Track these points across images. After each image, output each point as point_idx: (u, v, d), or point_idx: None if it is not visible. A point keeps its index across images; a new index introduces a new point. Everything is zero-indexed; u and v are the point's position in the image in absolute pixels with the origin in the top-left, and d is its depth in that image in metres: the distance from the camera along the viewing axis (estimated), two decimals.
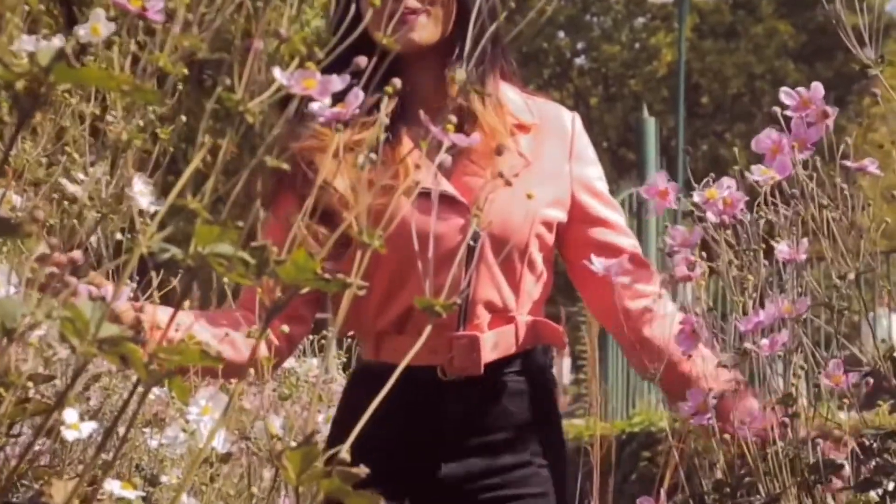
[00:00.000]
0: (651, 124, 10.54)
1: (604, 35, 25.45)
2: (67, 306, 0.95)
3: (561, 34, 24.60)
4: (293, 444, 2.02)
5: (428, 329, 1.16)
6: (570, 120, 2.12)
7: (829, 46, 23.06)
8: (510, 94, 2.07)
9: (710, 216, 1.60)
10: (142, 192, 1.18)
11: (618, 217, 2.13)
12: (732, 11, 25.89)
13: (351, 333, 2.33)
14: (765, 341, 1.40)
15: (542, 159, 2.04)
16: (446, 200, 1.95)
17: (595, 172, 2.12)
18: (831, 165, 1.58)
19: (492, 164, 1.97)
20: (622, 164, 23.15)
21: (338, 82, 1.00)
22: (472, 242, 1.93)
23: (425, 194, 1.87)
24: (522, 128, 2.04)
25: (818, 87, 1.54)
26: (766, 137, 1.58)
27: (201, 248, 1.01)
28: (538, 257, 2.03)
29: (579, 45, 25.46)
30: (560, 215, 2.05)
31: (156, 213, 1.22)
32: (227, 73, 0.99)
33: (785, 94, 1.52)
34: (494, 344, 2.00)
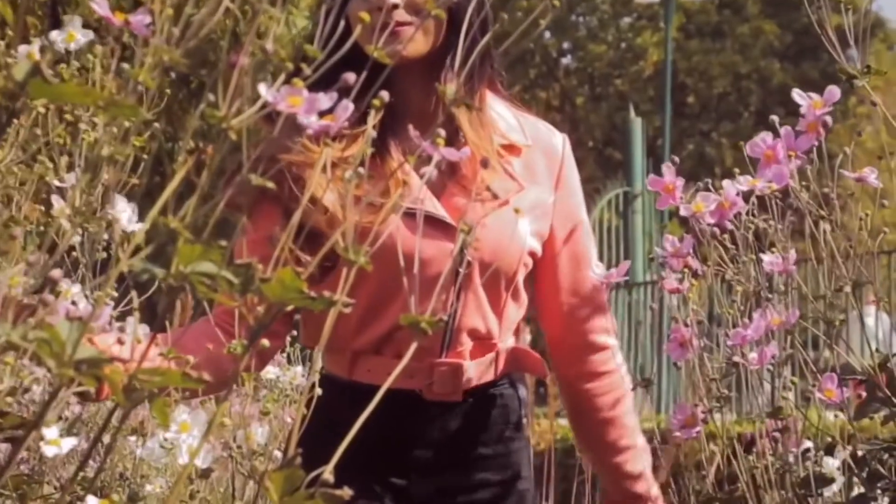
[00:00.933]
0: (637, 125, 10.54)
1: (590, 35, 25.42)
2: (44, 327, 0.92)
3: (547, 34, 24.58)
4: (276, 452, 2.00)
5: (411, 350, 1.13)
6: (561, 143, 2.07)
7: (814, 46, 23.08)
8: (501, 111, 2.02)
9: (707, 219, 1.58)
10: (123, 211, 1.15)
11: (590, 250, 2.08)
12: (718, 11, 25.89)
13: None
14: (753, 354, 1.38)
15: (532, 185, 2.00)
16: (434, 221, 1.91)
17: (577, 203, 2.08)
18: (824, 174, 1.56)
19: (484, 185, 1.93)
20: (608, 164, 23.14)
21: (324, 100, 0.97)
22: (460, 268, 1.89)
23: (413, 213, 1.85)
24: (514, 149, 2.00)
25: (833, 92, 1.51)
26: (761, 142, 1.56)
27: (183, 268, 0.99)
28: (521, 285, 2.01)
29: (565, 45, 25.43)
30: (538, 246, 2.02)
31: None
32: (210, 87, 0.97)
33: (798, 96, 1.50)
34: (475, 372, 1.97)
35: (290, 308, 1.28)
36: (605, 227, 9.95)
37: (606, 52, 25.13)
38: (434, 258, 1.89)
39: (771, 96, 24.94)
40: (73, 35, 1.24)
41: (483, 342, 1.98)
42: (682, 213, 1.51)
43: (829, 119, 1.48)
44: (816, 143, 1.55)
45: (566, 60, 25.60)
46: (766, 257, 1.39)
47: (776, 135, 1.53)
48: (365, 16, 1.15)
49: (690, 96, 25.69)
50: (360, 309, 1.91)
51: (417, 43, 1.94)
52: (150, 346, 1.07)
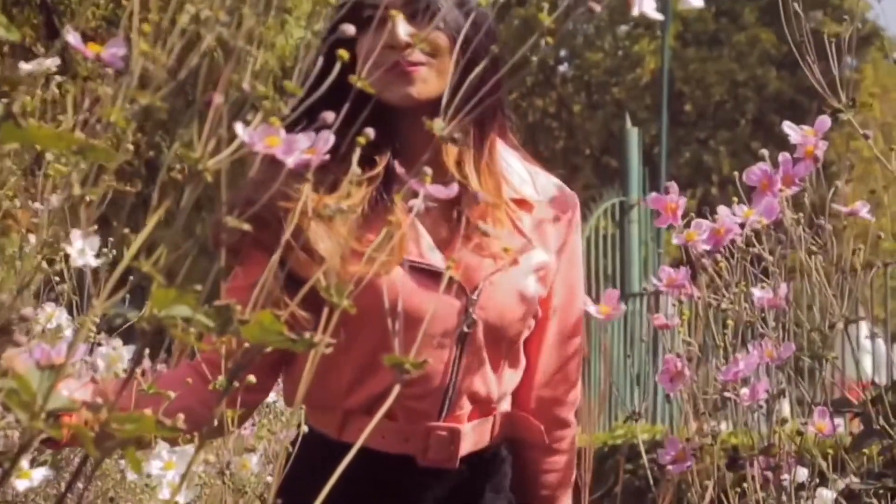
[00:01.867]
0: (634, 135, 10.52)
1: (587, 43, 25.42)
2: (13, 376, 0.90)
3: (543, 42, 24.43)
4: (269, 478, 1.97)
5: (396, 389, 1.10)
6: (573, 204, 1.97)
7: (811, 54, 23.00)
8: (513, 163, 1.92)
9: (699, 247, 1.55)
10: (81, 251, 1.12)
11: (579, 328, 1.98)
12: (715, 19, 25.90)
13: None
14: (745, 390, 1.36)
15: (540, 245, 1.90)
16: (439, 276, 1.80)
17: (578, 275, 1.97)
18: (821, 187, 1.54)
19: (492, 241, 1.83)
20: (605, 172, 23.13)
21: (303, 140, 0.95)
22: (466, 328, 1.80)
23: (415, 268, 1.78)
24: (525, 204, 1.90)
25: (824, 122, 1.49)
26: (757, 170, 1.53)
27: (157, 312, 0.97)
28: (521, 348, 1.92)
29: (562, 53, 25.43)
30: (539, 310, 1.92)
31: (112, 268, 1.17)
32: (185, 126, 0.95)
33: (789, 129, 1.48)
34: (472, 437, 1.88)
35: (275, 358, 1.23)
36: (601, 236, 9.93)
37: (603, 60, 25.12)
38: (437, 315, 1.80)
39: (767, 104, 24.94)
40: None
41: (481, 406, 1.88)
42: (675, 241, 1.49)
43: (820, 153, 1.46)
44: (813, 170, 1.52)
45: (563, 68, 25.59)
46: (757, 292, 1.37)
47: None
48: (345, 54, 1.11)
49: (687, 104, 25.68)
50: (354, 365, 1.80)
51: (430, 85, 1.81)
52: (125, 385, 1.04)
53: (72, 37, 1.03)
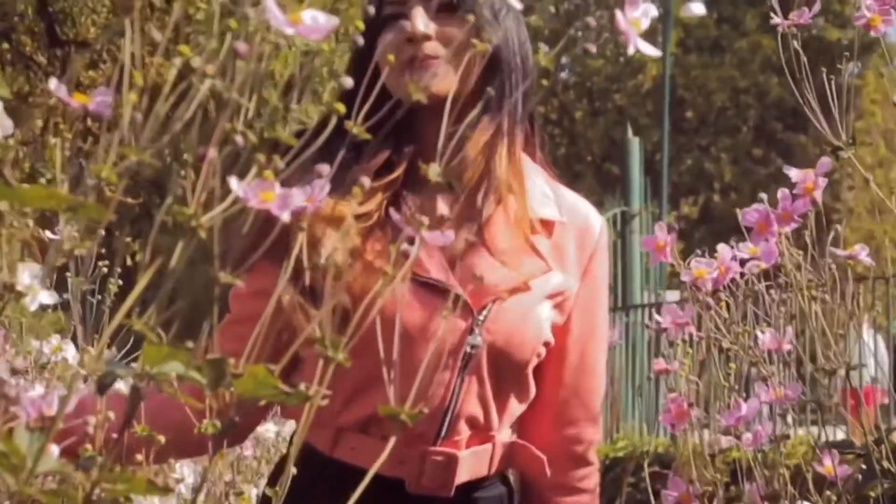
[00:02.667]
0: (635, 144, 10.52)
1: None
2: (2, 438, 0.88)
3: (545, 48, 24.44)
4: None
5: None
6: (598, 230, 1.85)
7: (812, 62, 23.02)
8: (537, 181, 1.81)
9: (707, 285, 1.53)
10: (31, 289, 1.08)
11: (602, 361, 1.87)
12: (717, 26, 25.90)
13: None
14: (748, 435, 1.34)
15: (559, 269, 1.79)
16: (445, 293, 1.70)
17: (601, 304, 1.86)
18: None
19: (508, 259, 1.73)
20: (606, 178, 23.11)
21: (299, 196, 0.93)
22: (469, 349, 1.71)
23: (423, 282, 1.69)
24: (546, 225, 1.79)
25: (825, 163, 1.47)
26: (754, 210, 1.51)
27: (149, 369, 0.95)
28: (530, 377, 1.80)
29: (563, 60, 25.44)
30: (552, 339, 1.80)
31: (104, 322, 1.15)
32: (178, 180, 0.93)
33: (788, 170, 1.45)
34: (470, 464, 1.77)
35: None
36: None
37: (605, 67, 25.13)
38: (439, 334, 1.69)
39: (769, 111, 24.93)
40: None
41: (480, 432, 1.77)
42: (683, 278, 1.47)
43: (819, 192, 1.43)
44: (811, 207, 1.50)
45: (564, 75, 25.60)
46: (762, 336, 1.35)
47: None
48: (391, 56, 1.08)
49: (689, 111, 25.68)
50: (350, 382, 1.69)
51: (447, 79, 1.72)
52: (121, 432, 1.02)
53: (56, 85, 1.02)
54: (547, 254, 1.77)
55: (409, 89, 1.62)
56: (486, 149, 1.74)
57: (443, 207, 1.76)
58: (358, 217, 1.66)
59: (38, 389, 0.99)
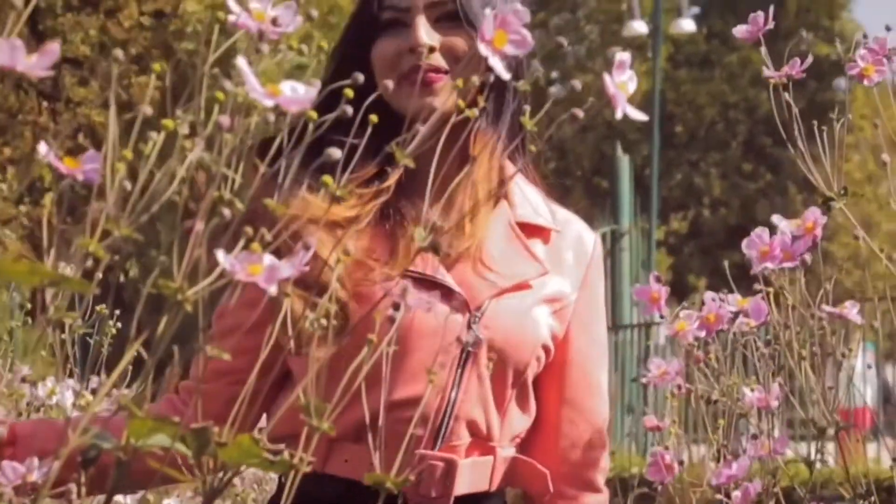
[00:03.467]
0: (625, 162, 10.54)
1: (578, 64, 25.48)
2: None
3: (535, 63, 24.46)
4: None
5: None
6: (593, 243, 1.83)
7: (802, 77, 23.10)
8: (528, 193, 1.77)
9: (689, 338, 1.52)
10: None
11: (604, 380, 1.83)
12: (707, 41, 25.98)
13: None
14: (737, 493, 1.33)
15: (556, 274, 1.74)
16: (438, 289, 1.63)
17: (599, 317, 1.82)
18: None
19: (501, 260, 1.68)
20: (596, 193, 23.13)
21: (287, 268, 0.92)
22: (469, 346, 1.63)
23: (416, 280, 1.62)
24: (541, 232, 1.74)
25: (814, 212, 1.46)
26: (757, 238, 1.47)
27: (134, 442, 0.94)
28: (531, 388, 1.73)
29: (553, 74, 25.49)
30: (551, 344, 1.73)
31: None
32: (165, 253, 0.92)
33: (778, 221, 1.44)
34: (470, 476, 1.67)
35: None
36: None
37: (595, 82, 25.19)
38: (436, 331, 1.62)
39: (758, 126, 24.99)
40: None
41: (481, 442, 1.68)
42: (666, 332, 1.46)
43: (819, 230, 1.42)
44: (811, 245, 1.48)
45: (554, 89, 25.66)
46: (748, 392, 1.34)
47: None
48: (389, 83, 1.06)
49: (678, 126, 25.74)
50: (344, 386, 1.58)
51: (450, 96, 1.61)
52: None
53: (45, 150, 1.01)
54: (544, 258, 1.73)
55: (406, 102, 1.58)
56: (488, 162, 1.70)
57: (434, 214, 1.69)
58: (348, 220, 1.60)
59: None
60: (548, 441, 1.77)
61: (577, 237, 1.80)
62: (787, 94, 1.41)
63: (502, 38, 0.99)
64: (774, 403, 1.34)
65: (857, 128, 24.75)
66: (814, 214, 1.42)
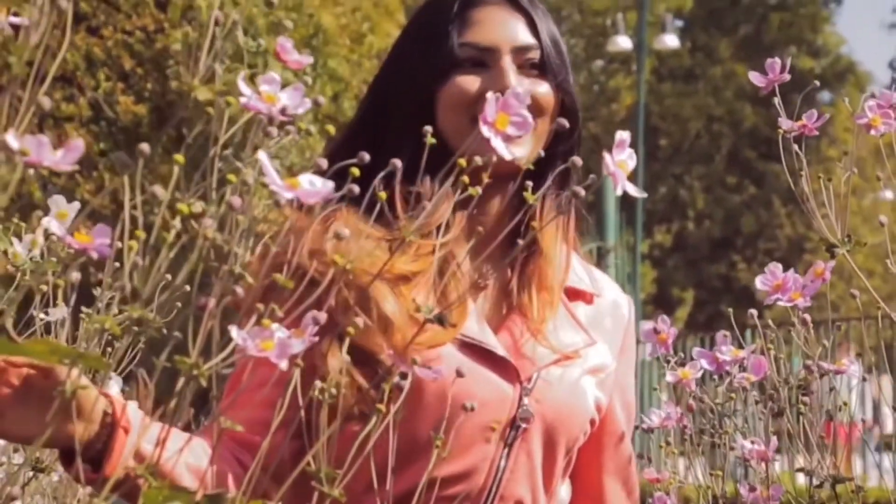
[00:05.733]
0: (609, 181, 10.55)
1: None
2: None
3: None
4: None
5: None
6: (628, 306, 1.75)
7: (785, 89, 23.23)
8: (573, 257, 1.68)
9: (692, 385, 1.54)
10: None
11: (630, 425, 1.74)
12: (691, 55, 26.08)
13: None
14: None
15: (598, 343, 1.66)
16: (490, 358, 1.55)
17: (631, 382, 1.74)
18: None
19: (549, 330, 1.60)
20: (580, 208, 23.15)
21: (298, 345, 0.95)
22: (520, 421, 1.54)
23: (466, 345, 1.53)
24: (584, 296, 1.67)
25: (819, 265, 1.48)
26: (770, 275, 1.48)
27: None
28: (573, 461, 1.65)
29: None
30: (597, 416, 1.65)
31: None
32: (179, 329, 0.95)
33: (761, 281, 1.46)
34: None
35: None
36: None
37: (579, 95, 25.21)
38: (487, 403, 1.51)
39: (742, 139, 25.10)
40: (63, 214, 1.20)
41: None
42: (669, 379, 1.49)
43: (829, 273, 1.45)
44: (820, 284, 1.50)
45: None
46: (747, 445, 1.37)
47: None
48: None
49: (663, 139, 25.82)
50: (379, 457, 1.36)
51: (527, 149, 1.58)
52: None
53: (56, 227, 1.03)
54: (587, 325, 1.66)
55: (479, 146, 1.46)
56: (551, 223, 1.63)
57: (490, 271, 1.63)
58: (410, 275, 1.52)
59: None
60: None
61: (614, 301, 1.73)
62: (797, 147, 1.44)
63: (504, 121, 1.02)
64: (771, 457, 1.37)
65: (841, 141, 24.87)
66: (826, 265, 1.46)
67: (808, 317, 1.41)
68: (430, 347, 1.45)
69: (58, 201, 1.21)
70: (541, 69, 1.62)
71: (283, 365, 0.95)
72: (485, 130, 1.04)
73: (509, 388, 1.54)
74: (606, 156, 1.07)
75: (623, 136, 1.07)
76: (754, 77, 1.53)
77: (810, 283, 1.46)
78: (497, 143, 1.04)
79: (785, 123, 1.50)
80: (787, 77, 1.53)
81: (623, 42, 18.85)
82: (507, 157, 1.07)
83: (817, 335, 1.47)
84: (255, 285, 0.97)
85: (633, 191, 1.07)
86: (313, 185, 0.90)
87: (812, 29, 26.42)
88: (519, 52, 1.61)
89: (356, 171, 1.00)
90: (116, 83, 10.61)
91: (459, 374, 1.17)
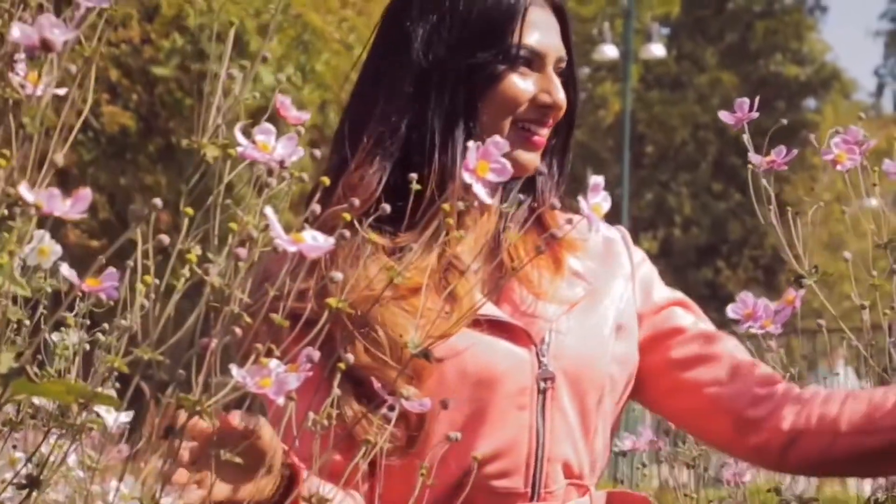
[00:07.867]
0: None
1: None
2: None
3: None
4: None
5: None
6: (620, 235, 1.73)
7: (771, 97, 23.37)
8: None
9: None
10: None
11: (707, 322, 1.69)
12: (677, 62, 26.17)
13: None
14: None
15: (597, 282, 1.64)
16: (499, 326, 1.56)
17: (657, 283, 1.72)
18: None
19: (549, 287, 1.61)
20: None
21: (293, 381, 1.02)
22: (543, 383, 1.55)
23: (474, 321, 1.52)
24: (570, 246, 1.65)
25: (791, 291, 1.55)
26: (741, 303, 1.54)
27: None
28: (610, 408, 1.62)
29: None
30: (628, 349, 1.65)
31: None
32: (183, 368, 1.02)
33: (733, 310, 1.53)
34: None
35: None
36: None
37: None
38: (509, 371, 1.54)
39: (728, 146, 25.17)
40: (45, 251, 1.27)
41: (575, 481, 1.58)
42: None
43: (799, 301, 1.52)
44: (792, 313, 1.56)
45: None
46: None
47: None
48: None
49: (649, 146, 25.91)
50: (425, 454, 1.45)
51: (538, 155, 1.65)
52: None
53: (67, 271, 1.10)
54: (582, 271, 1.65)
55: (514, 150, 1.49)
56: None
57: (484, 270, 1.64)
58: (417, 287, 1.49)
59: None
60: (725, 418, 1.63)
61: (605, 238, 1.69)
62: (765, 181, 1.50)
63: (484, 168, 1.09)
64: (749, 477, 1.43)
65: (827, 147, 24.86)
66: (796, 293, 1.52)
67: (773, 343, 1.48)
68: (442, 338, 1.37)
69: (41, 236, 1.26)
70: (566, 78, 1.65)
71: (281, 401, 1.02)
72: (466, 177, 1.11)
73: (524, 352, 1.55)
74: (581, 200, 1.13)
75: (597, 180, 1.13)
76: (724, 116, 1.60)
77: (781, 310, 1.53)
78: (478, 189, 1.11)
79: (755, 158, 1.57)
80: (755, 115, 1.59)
81: (609, 51, 18.94)
82: (488, 202, 1.14)
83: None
84: (252, 325, 1.05)
85: (611, 232, 1.13)
86: (315, 240, 0.97)
87: (797, 36, 26.51)
88: (559, 61, 1.64)
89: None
90: (102, 94, 10.65)
91: (444, 405, 1.23)
